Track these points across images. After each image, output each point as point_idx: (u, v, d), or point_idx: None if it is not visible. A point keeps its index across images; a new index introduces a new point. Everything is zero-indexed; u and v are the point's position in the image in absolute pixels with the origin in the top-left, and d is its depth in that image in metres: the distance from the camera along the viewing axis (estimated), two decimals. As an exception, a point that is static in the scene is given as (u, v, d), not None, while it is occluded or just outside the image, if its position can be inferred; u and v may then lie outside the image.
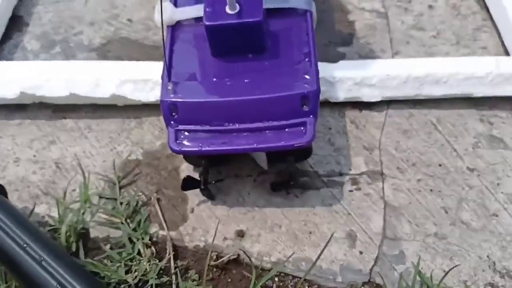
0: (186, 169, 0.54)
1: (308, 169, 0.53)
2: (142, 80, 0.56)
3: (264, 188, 0.52)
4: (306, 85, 0.45)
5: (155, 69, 0.55)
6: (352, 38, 0.65)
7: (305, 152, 0.50)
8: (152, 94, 0.57)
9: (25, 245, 0.39)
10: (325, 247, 0.46)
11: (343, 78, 0.56)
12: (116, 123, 0.58)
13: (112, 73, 0.57)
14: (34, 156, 0.56)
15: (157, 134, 0.57)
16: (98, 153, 0.56)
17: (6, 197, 0.45)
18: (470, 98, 0.57)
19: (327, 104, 0.57)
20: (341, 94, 0.56)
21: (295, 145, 0.44)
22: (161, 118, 0.57)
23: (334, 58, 0.60)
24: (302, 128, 0.45)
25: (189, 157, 0.51)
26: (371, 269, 0.47)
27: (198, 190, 0.51)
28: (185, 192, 0.52)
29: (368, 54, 0.63)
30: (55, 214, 0.51)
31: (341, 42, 0.64)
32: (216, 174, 0.53)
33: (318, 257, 0.45)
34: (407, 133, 0.56)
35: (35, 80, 0.57)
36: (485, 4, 0.67)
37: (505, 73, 0.55)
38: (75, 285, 0.37)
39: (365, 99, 0.57)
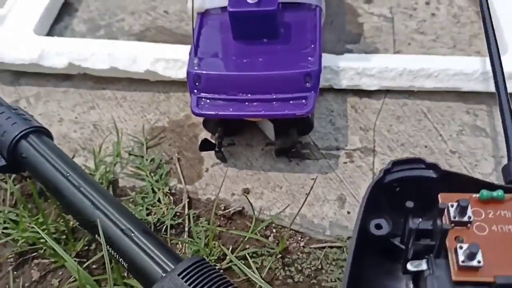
0: (205, 136, 0.62)
1: (310, 143, 0.61)
2: (173, 59, 0.65)
3: (270, 156, 0.60)
4: (309, 65, 0.54)
5: (184, 51, 0.64)
6: (359, 38, 0.73)
7: (307, 126, 0.58)
8: (181, 72, 0.66)
9: (67, 174, 0.48)
10: (306, 198, 0.53)
11: (346, 68, 0.64)
12: (148, 96, 0.67)
13: (147, 52, 0.66)
14: (76, 118, 0.66)
15: (182, 106, 0.66)
16: (131, 119, 0.65)
17: (52, 140, 0.54)
18: (459, 92, 0.64)
19: (332, 90, 0.65)
20: (344, 82, 0.64)
21: (296, 114, 0.53)
22: (187, 94, 0.67)
23: (342, 53, 0.68)
24: (303, 101, 0.53)
25: (207, 125, 0.60)
26: (356, 227, 0.54)
27: (213, 153, 0.59)
28: (202, 154, 0.61)
29: (373, 52, 0.70)
30: (90, 165, 0.60)
31: (350, 40, 0.73)
32: (230, 142, 0.61)
33: (302, 207, 0.53)
34: (399, 119, 0.63)
35: (81, 54, 0.66)
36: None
37: (490, 71, 0.62)
38: (107, 206, 0.45)
39: (365, 87, 0.64)
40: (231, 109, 0.54)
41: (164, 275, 0.39)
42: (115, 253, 0.43)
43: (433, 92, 0.64)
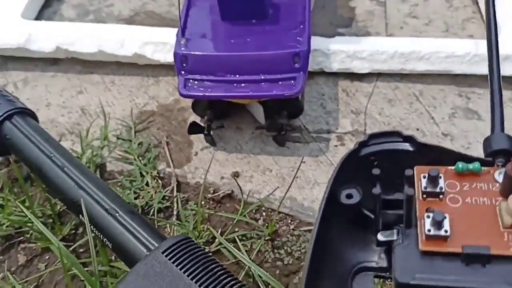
0: (194, 120, 0.61)
1: (300, 126, 0.60)
2: (162, 43, 0.64)
3: (260, 139, 0.59)
4: (298, 45, 0.53)
5: (173, 34, 0.63)
6: (351, 22, 0.72)
7: (296, 108, 0.58)
8: (169, 56, 0.64)
9: (51, 155, 0.47)
10: (292, 180, 0.53)
11: (337, 50, 0.63)
12: (136, 80, 0.67)
13: (135, 35, 0.65)
14: (63, 102, 0.65)
15: (171, 91, 0.65)
16: (119, 103, 0.64)
17: (37, 121, 0.53)
18: (451, 75, 0.63)
19: (323, 73, 0.65)
20: (335, 65, 0.63)
21: (285, 94, 0.52)
22: (176, 78, 0.66)
23: (333, 37, 0.67)
24: (292, 81, 0.52)
25: (196, 108, 0.59)
26: (346, 209, 0.53)
27: (202, 136, 0.59)
28: (191, 138, 0.60)
29: (365, 35, 0.69)
30: (78, 149, 0.59)
31: (342, 24, 0.72)
32: (219, 125, 0.60)
33: (289, 188, 0.52)
34: (391, 102, 0.62)
35: (69, 37, 0.65)
36: (476, -1, 0.73)
37: (483, 54, 0.61)
38: (91, 186, 0.44)
39: (356, 70, 0.64)
40: (219, 91, 0.53)
41: (148, 253, 0.39)
42: (99, 233, 0.42)
43: (425, 75, 0.64)
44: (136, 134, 0.61)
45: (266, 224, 0.53)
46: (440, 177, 0.30)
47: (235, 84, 0.53)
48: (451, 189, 0.31)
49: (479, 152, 0.56)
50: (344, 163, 0.34)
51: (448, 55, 0.62)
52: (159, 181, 0.56)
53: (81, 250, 0.52)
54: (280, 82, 0.53)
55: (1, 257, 0.52)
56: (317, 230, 0.30)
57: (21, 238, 0.53)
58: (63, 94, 0.65)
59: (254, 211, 0.54)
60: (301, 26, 0.55)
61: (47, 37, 0.66)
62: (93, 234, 0.43)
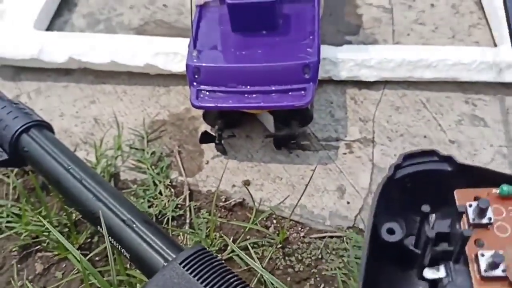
0: (205, 129, 0.62)
1: (309, 134, 0.61)
2: (173, 53, 0.66)
3: (270, 148, 0.61)
4: (308, 57, 0.54)
5: (183, 44, 0.64)
6: (358, 29, 0.73)
7: (306, 117, 0.59)
8: (180, 65, 0.66)
9: (69, 167, 0.48)
10: (305, 189, 0.54)
11: (345, 59, 0.64)
12: (148, 90, 0.68)
13: (147, 46, 0.66)
14: (77, 112, 0.66)
15: (182, 100, 0.66)
16: (131, 112, 0.65)
17: (53, 133, 0.54)
18: (457, 82, 0.64)
19: (331, 82, 0.66)
20: (343, 74, 0.64)
21: (295, 105, 0.53)
22: (187, 87, 0.67)
23: (341, 44, 0.68)
24: (302, 92, 0.53)
25: (207, 117, 0.60)
26: (355, 216, 0.54)
27: (213, 145, 0.60)
28: (202, 147, 0.61)
29: (372, 43, 0.70)
30: (92, 158, 0.60)
31: (349, 32, 0.73)
32: (230, 134, 0.61)
33: (301, 197, 0.53)
34: (399, 109, 0.63)
35: (81, 48, 0.67)
36: (481, 5, 0.74)
37: (489, 61, 0.62)
38: (108, 198, 0.45)
39: (364, 78, 0.65)
40: (230, 101, 0.54)
41: (165, 264, 0.40)
42: (117, 244, 0.43)
43: (432, 82, 0.64)
44: (148, 143, 0.62)
45: (277, 232, 0.54)
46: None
47: (246, 95, 0.55)
48: (498, 216, 0.28)
49: (485, 159, 0.58)
50: (383, 191, 0.31)
51: (455, 62, 0.63)
52: (172, 189, 0.58)
53: (97, 258, 0.53)
54: (290, 93, 0.54)
55: (19, 266, 0.53)
56: (365, 272, 0.27)
57: (38, 247, 0.55)
58: (76, 104, 0.67)
59: (265, 219, 0.55)
60: (311, 37, 0.56)
61: (60, 48, 0.67)
62: (111, 245, 0.44)
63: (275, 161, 0.60)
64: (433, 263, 0.29)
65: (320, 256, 0.52)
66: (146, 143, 0.62)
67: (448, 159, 0.32)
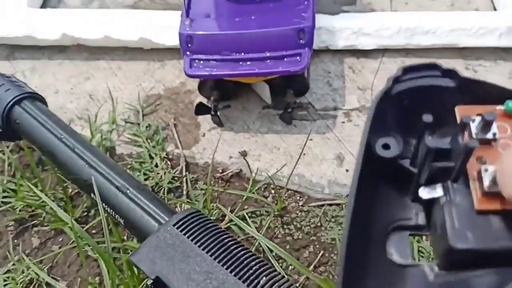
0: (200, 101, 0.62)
1: (306, 105, 0.60)
2: (166, 26, 0.65)
3: (267, 119, 0.60)
4: (303, 21, 0.53)
5: (177, 18, 0.63)
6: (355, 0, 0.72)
7: (302, 86, 0.58)
8: (174, 39, 0.65)
9: (61, 137, 0.47)
10: (299, 156, 0.53)
11: (342, 27, 0.63)
12: (142, 65, 0.67)
13: (140, 20, 0.65)
14: (71, 89, 0.65)
15: (177, 74, 0.66)
16: (126, 87, 0.65)
17: (46, 105, 0.54)
18: (457, 48, 0.63)
19: (329, 51, 0.65)
20: (340, 43, 0.63)
21: (291, 71, 0.52)
22: (182, 61, 0.66)
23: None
24: (298, 57, 0.52)
25: (202, 89, 0.59)
26: (355, 184, 0.54)
27: (210, 118, 0.59)
28: (198, 120, 0.61)
29: (369, 12, 0.69)
30: (87, 133, 0.60)
31: (345, 2, 0.71)
32: (225, 105, 0.60)
33: (296, 165, 0.52)
34: (397, 77, 0.62)
35: (75, 24, 0.66)
36: (481, -29, 0.72)
37: (488, 26, 0.61)
38: (101, 165, 0.45)
39: (361, 47, 0.63)
40: (225, 69, 0.53)
41: (158, 228, 0.39)
42: (111, 210, 0.43)
43: (431, 49, 0.63)
44: (144, 117, 0.61)
45: (275, 201, 0.53)
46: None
47: (240, 63, 0.54)
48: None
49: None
50: (378, 106, 0.29)
51: (454, 28, 0.61)
52: (168, 162, 0.57)
53: (93, 231, 0.52)
54: (285, 59, 0.53)
55: (15, 240, 0.53)
56: (356, 190, 0.26)
57: (35, 221, 0.54)
58: (70, 81, 0.66)
59: (263, 189, 0.54)
60: (305, 2, 0.55)
61: (53, 25, 0.66)
62: (106, 214, 0.43)
63: (272, 131, 0.59)
64: (430, 182, 0.28)
65: (319, 224, 0.51)
66: (141, 117, 0.61)
67: (451, 73, 0.29)
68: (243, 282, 0.34)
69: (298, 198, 0.54)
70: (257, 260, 0.36)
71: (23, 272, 0.50)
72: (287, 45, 0.53)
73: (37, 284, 0.49)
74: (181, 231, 0.37)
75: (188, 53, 0.54)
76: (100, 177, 0.44)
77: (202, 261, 0.36)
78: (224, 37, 0.54)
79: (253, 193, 0.52)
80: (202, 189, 0.54)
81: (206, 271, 0.35)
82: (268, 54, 0.53)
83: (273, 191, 0.54)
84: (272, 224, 0.51)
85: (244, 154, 0.57)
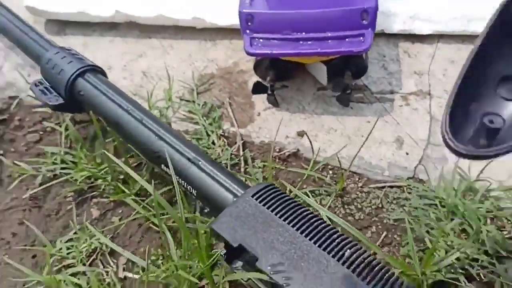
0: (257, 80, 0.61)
1: (362, 87, 0.60)
2: (220, 6, 0.65)
3: (323, 100, 0.59)
4: (366, 2, 0.52)
5: (231, -3, 0.63)
6: (408, -15, 0.71)
7: (361, 68, 0.57)
8: (227, 19, 0.65)
9: (128, 108, 0.48)
10: (367, 137, 0.53)
11: (398, 12, 0.62)
12: (194, 44, 0.67)
13: (194, -1, 0.65)
14: (125, 66, 0.66)
15: (229, 54, 0.65)
16: (179, 66, 0.65)
17: (106, 78, 0.54)
18: (515, 35, 0.62)
19: (383, 35, 0.64)
20: (396, 26, 0.63)
21: (354, 51, 0.52)
22: (234, 41, 0.66)
23: None
24: (361, 38, 0.52)
25: (258, 69, 0.59)
26: (415, 167, 0.53)
27: (264, 98, 0.59)
28: (252, 99, 0.61)
29: (422, -2, 0.68)
30: (143, 109, 0.60)
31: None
32: (282, 85, 0.60)
33: (361, 146, 0.51)
34: (454, 63, 0.61)
35: (128, 2, 0.66)
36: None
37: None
38: (171, 137, 0.45)
39: (417, 32, 0.63)
40: (286, 48, 0.53)
41: (235, 199, 0.39)
42: (183, 181, 0.43)
43: (488, 35, 0.62)
44: (198, 95, 0.61)
45: (334, 181, 0.53)
46: None
47: (301, 42, 0.53)
48: None
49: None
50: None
51: (514, 14, 0.60)
52: (225, 140, 0.57)
53: (153, 204, 0.52)
54: (347, 39, 0.52)
55: (76, 211, 0.53)
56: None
57: (94, 193, 0.54)
58: (123, 58, 0.66)
59: (320, 169, 0.54)
60: (368, -17, 0.54)
61: (107, 2, 0.66)
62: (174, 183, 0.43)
63: (328, 113, 0.59)
64: None
65: (380, 205, 0.51)
66: (196, 95, 0.61)
67: None
68: (328, 253, 0.34)
69: (357, 179, 0.53)
70: (338, 233, 0.36)
71: (85, 241, 0.50)
72: (350, 25, 0.52)
73: (100, 253, 0.50)
74: (260, 202, 0.37)
75: (248, 31, 0.54)
76: (170, 149, 0.44)
77: (284, 231, 0.36)
78: (286, 16, 0.53)
79: (314, 171, 0.52)
80: (259, 167, 0.54)
81: (289, 241, 0.35)
82: (329, 34, 0.53)
83: (331, 172, 0.54)
84: (332, 203, 0.51)
85: (301, 134, 0.57)
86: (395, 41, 0.64)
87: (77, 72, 0.51)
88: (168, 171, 0.43)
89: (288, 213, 0.37)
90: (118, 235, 0.51)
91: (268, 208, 0.37)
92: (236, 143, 0.57)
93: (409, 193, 0.51)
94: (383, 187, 0.52)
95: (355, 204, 0.51)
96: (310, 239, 0.35)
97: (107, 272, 0.48)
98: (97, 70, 0.53)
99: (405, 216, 0.47)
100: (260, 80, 0.60)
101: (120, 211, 0.53)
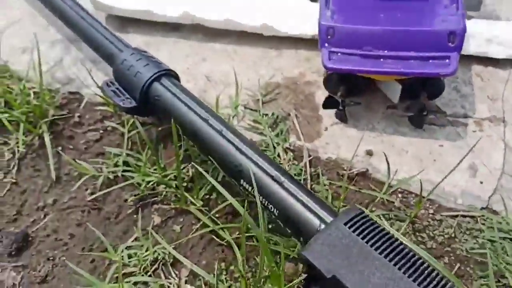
0: (322, 95, 0.60)
1: (434, 108, 0.58)
2: (289, 14, 0.63)
3: (393, 119, 0.58)
4: (454, 23, 0.51)
5: (302, 7, 0.62)
6: (479, 5, 0.69)
7: (438, 89, 0.55)
8: (296, 29, 0.63)
9: (207, 118, 0.46)
10: (451, 171, 0.51)
11: (475, 33, 0.60)
12: (258, 51, 0.66)
13: (264, 5, 0.64)
14: (188, 68, 0.64)
15: (295, 63, 0.64)
16: (243, 72, 0.63)
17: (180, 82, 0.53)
18: None
19: (455, 56, 0.62)
20: (471, 48, 0.61)
21: (440, 73, 0.50)
22: (299, 51, 0.65)
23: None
24: (446, 60, 0.50)
25: (329, 83, 0.57)
26: (489, 197, 0.51)
27: (331, 112, 0.58)
28: (319, 113, 0.59)
29: (494, 19, 0.66)
30: (206, 115, 0.58)
31: (469, 7, 0.68)
32: (354, 101, 0.59)
33: (445, 177, 0.49)
34: (529, 90, 0.59)
35: (197, 4, 0.65)
36: None
37: None
38: (251, 152, 0.43)
39: (492, 55, 0.61)
40: (366, 65, 0.51)
41: (322, 225, 0.38)
42: (264, 200, 0.41)
43: None
44: (263, 104, 0.60)
45: (404, 206, 0.51)
46: None
47: (381, 60, 0.52)
48: None
49: None
50: None
51: None
52: (291, 153, 0.55)
53: (217, 215, 0.51)
54: (430, 61, 0.51)
55: (135, 216, 0.52)
56: None
57: (154, 199, 0.53)
58: (187, 61, 0.65)
59: (389, 192, 0.52)
60: (454, 5, 0.52)
61: (175, 2, 0.65)
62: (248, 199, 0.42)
63: (398, 133, 0.57)
64: None
65: (453, 235, 0.49)
66: (261, 104, 0.60)
67: None
68: (429, 293, 0.33)
69: (428, 205, 0.52)
70: (436, 271, 0.35)
71: (148, 249, 0.49)
72: (436, 46, 0.51)
73: (161, 263, 0.49)
74: (353, 231, 0.36)
75: (326, 45, 0.53)
76: (251, 164, 0.43)
77: (381, 266, 0.34)
78: (368, 32, 0.52)
79: (388, 195, 0.51)
80: (325, 184, 0.53)
81: (387, 277, 0.34)
82: (412, 54, 0.51)
83: (400, 195, 0.52)
84: (403, 230, 0.50)
85: (370, 153, 0.55)
86: (467, 63, 0.62)
87: (154, 76, 0.50)
88: (248, 187, 0.42)
89: (384, 246, 0.35)
90: (179, 245, 0.50)
91: (362, 238, 0.35)
92: (302, 157, 0.55)
93: (483, 224, 0.50)
94: (456, 216, 0.50)
95: (426, 232, 0.50)
96: (409, 276, 0.33)
97: (169, 284, 0.47)
98: (172, 75, 0.51)
99: (486, 250, 0.46)
100: (325, 94, 0.58)
101: (181, 219, 0.52)
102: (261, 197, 0.41)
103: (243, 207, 0.43)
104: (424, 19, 0.52)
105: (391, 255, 0.35)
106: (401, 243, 0.36)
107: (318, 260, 0.35)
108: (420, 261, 0.35)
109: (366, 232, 0.36)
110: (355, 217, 0.37)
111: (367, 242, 0.35)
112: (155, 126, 0.58)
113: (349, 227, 0.36)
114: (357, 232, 0.36)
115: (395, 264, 0.34)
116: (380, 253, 0.35)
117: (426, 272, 0.34)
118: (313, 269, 0.35)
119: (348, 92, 0.58)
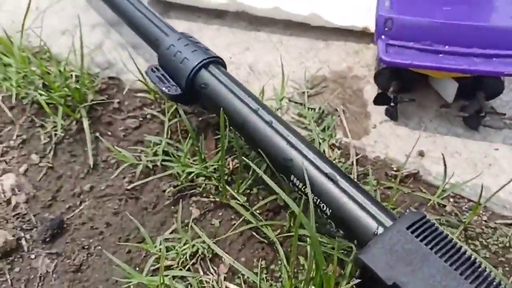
0: (371, 90, 0.57)
1: (490, 110, 0.55)
2: (340, 4, 0.60)
3: (446, 119, 0.55)
4: (522, 19, 0.47)
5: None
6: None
7: (497, 89, 0.52)
8: (345, 19, 0.61)
9: (257, 109, 0.44)
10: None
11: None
12: (305, 42, 0.63)
13: (312, -6, 0.61)
14: (230, 57, 0.62)
15: (343, 56, 0.61)
16: (288, 64, 0.61)
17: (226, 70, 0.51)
18: None
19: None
20: (531, 47, 0.57)
21: (506, 72, 0.47)
22: (348, 43, 0.62)
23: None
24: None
25: (380, 78, 0.55)
26: (550, 207, 0.48)
27: (381, 109, 0.55)
28: (368, 109, 0.56)
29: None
30: (250, 107, 0.56)
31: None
32: (409, 98, 0.56)
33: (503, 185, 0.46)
34: None
35: (244, -11, 0.62)
36: None
37: None
38: (303, 146, 0.41)
39: (555, 56, 0.57)
40: (426, 60, 0.48)
41: (380, 229, 0.35)
42: (316, 198, 0.39)
43: None
44: (308, 98, 0.57)
45: (455, 211, 0.48)
46: None
47: (441, 55, 0.49)
48: None
49: None
50: None
51: None
52: (337, 150, 0.53)
53: (258, 211, 0.49)
54: (494, 59, 0.48)
55: (173, 207, 0.51)
56: None
57: (193, 190, 0.51)
58: (229, 49, 0.63)
59: (441, 196, 0.50)
60: (522, -1, 0.49)
61: (219, -13, 0.63)
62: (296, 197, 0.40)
63: (451, 133, 0.54)
64: None
65: (508, 245, 0.46)
66: (306, 98, 0.57)
67: None
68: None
69: (481, 212, 0.49)
70: (498, 280, 0.32)
71: (186, 241, 0.47)
72: (502, 44, 0.47)
73: (200, 258, 0.47)
74: (416, 236, 0.33)
75: (383, 37, 0.50)
76: (303, 159, 0.40)
77: (447, 274, 0.31)
78: (429, 25, 0.49)
79: (441, 199, 0.48)
80: (373, 185, 0.50)
81: (453, 286, 0.31)
82: (476, 51, 0.48)
83: (452, 199, 0.49)
84: (455, 236, 0.47)
85: (421, 154, 0.52)
86: (527, 63, 0.58)
87: (202, 63, 0.48)
88: (298, 183, 0.40)
89: (450, 253, 0.33)
90: (218, 241, 0.48)
91: (426, 244, 0.33)
92: (348, 154, 0.53)
93: (542, 235, 0.46)
94: (511, 224, 0.47)
95: (480, 240, 0.47)
96: (476, 287, 0.31)
97: (208, 279, 0.45)
98: (219, 62, 0.49)
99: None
100: (375, 88, 0.56)
101: (220, 213, 0.50)
102: (313, 196, 0.39)
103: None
104: (490, 15, 0.48)
105: (457, 264, 0.32)
106: (466, 251, 0.33)
107: (378, 266, 0.32)
108: (487, 271, 0.32)
109: (430, 237, 0.33)
110: (418, 221, 0.34)
111: (431, 249, 0.33)
112: (195, 115, 0.56)
113: (412, 232, 0.33)
114: (420, 237, 0.33)
115: (461, 273, 0.31)
116: (446, 261, 0.32)
117: (493, 282, 0.31)
118: (369, 274, 0.33)
119: (403, 88, 0.55)
